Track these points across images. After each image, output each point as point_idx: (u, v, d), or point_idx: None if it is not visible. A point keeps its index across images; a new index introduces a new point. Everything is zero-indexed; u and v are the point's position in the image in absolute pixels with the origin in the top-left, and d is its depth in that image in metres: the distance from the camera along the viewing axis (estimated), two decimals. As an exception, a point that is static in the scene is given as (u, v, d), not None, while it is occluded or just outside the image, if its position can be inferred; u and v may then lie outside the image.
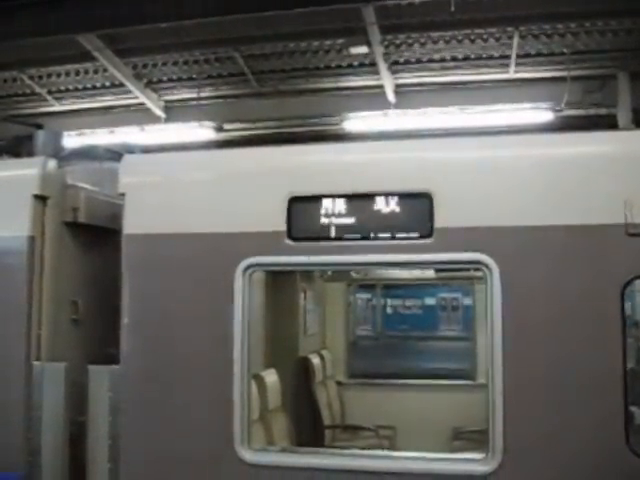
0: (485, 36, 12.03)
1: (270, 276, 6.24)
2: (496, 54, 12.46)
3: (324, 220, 3.91)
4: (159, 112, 14.65)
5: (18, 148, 5.20)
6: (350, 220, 3.89)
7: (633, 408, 3.91)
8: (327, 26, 11.76)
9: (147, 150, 5.33)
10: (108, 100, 14.71)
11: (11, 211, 4.35)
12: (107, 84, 14.27)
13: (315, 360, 7.04)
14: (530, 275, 3.68)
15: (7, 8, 11.70)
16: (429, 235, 3.78)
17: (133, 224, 4.15)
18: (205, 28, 11.73)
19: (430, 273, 7.44)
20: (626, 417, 3.53)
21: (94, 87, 14.42)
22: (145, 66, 13.68)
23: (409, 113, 13.00)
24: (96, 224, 4.55)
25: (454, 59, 12.65)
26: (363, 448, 6.05)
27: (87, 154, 5.15)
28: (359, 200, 3.89)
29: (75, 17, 11.65)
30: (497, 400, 3.60)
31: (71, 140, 11.64)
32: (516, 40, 11.81)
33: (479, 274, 3.83)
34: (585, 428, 3.57)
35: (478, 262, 3.73)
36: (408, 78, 13.23)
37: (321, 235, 3.91)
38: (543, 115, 12.41)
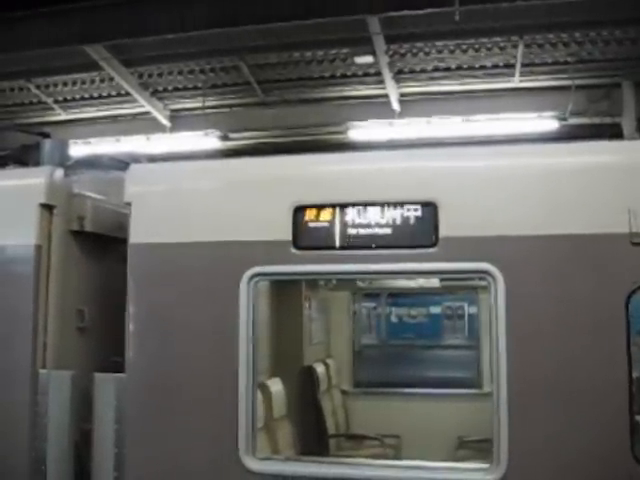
0: (489, 45, 12.08)
1: (275, 285, 6.24)
2: (501, 63, 12.50)
3: (329, 229, 3.92)
4: (165, 121, 14.72)
5: (25, 157, 5.21)
6: (355, 229, 3.90)
7: (639, 417, 3.89)
8: (332, 36, 11.84)
9: (152, 159, 5.36)
10: (114, 109, 14.80)
11: (18, 220, 4.37)
12: (113, 93, 14.36)
13: (320, 369, 7.02)
14: (534, 284, 3.68)
15: (12, 19, 11.83)
16: (434, 244, 3.79)
17: (139, 233, 4.16)
18: (210, 38, 11.81)
19: (435, 282, 7.43)
20: (631, 426, 3.52)
21: (100, 96, 14.52)
22: (151, 75, 13.76)
23: (414, 122, 13.03)
24: (102, 233, 4.56)
25: (458, 68, 12.70)
26: (368, 457, 6.03)
27: (93, 163, 5.17)
28: (364, 209, 3.90)
29: (78, 29, 11.76)
30: (502, 409, 3.59)
31: (77, 149, 11.71)
32: (521, 49, 11.85)
33: (483, 283, 3.84)
34: (590, 437, 3.56)
35: (482, 271, 3.73)
36: (413, 87, 13.28)
37: (326, 244, 3.93)
38: (548, 124, 12.42)
